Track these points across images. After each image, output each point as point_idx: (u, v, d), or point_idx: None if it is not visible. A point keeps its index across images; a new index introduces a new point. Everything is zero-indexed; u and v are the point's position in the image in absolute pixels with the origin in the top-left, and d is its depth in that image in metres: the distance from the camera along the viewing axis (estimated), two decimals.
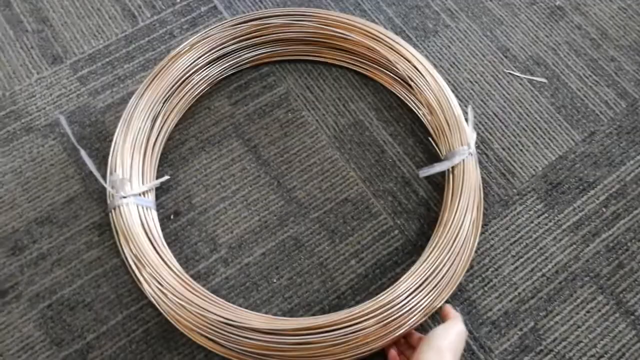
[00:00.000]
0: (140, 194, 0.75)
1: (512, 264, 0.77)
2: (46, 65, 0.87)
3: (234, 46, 0.84)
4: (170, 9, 0.92)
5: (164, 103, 0.80)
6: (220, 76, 0.85)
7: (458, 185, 0.75)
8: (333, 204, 0.80)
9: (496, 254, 0.78)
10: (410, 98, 0.84)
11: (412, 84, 0.81)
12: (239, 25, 0.83)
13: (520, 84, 0.89)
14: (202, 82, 0.83)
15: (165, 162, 0.81)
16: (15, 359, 0.70)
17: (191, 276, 0.74)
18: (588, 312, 0.75)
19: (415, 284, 0.68)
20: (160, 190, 0.80)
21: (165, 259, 0.72)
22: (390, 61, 0.81)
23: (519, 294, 0.76)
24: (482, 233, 0.78)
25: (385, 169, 0.82)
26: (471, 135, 0.78)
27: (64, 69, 0.87)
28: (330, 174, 0.82)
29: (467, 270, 0.76)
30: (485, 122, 0.86)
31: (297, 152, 0.83)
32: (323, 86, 0.87)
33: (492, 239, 0.79)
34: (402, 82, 0.84)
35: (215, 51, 0.83)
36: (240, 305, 0.72)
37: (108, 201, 0.76)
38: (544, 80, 0.89)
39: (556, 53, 0.91)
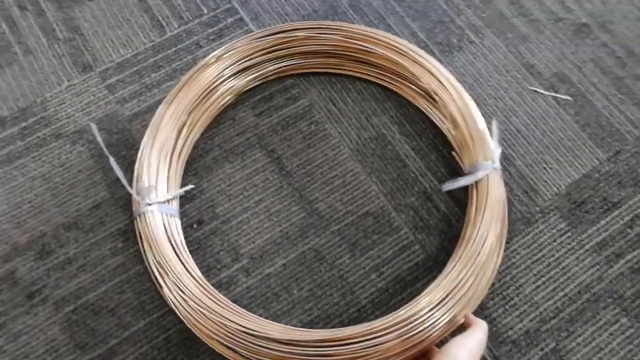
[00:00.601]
0: (165, 202, 0.76)
1: (534, 283, 0.77)
2: (76, 73, 0.89)
3: (259, 58, 0.85)
4: (197, 20, 0.94)
5: (190, 113, 0.81)
6: (246, 88, 0.86)
7: (482, 200, 0.75)
8: (354, 217, 0.80)
9: (517, 272, 0.78)
10: (433, 112, 0.84)
11: (436, 97, 0.81)
12: (265, 38, 0.84)
13: (544, 101, 0.89)
14: (227, 93, 0.85)
15: (190, 171, 0.83)
16: None
17: (212, 285, 0.75)
18: (611, 334, 0.74)
19: (437, 299, 0.68)
20: (184, 199, 0.81)
21: (188, 267, 0.73)
22: (415, 75, 0.82)
23: (540, 313, 0.75)
24: (503, 251, 0.78)
25: (407, 183, 0.82)
26: (496, 150, 0.77)
27: (94, 77, 0.89)
28: (351, 186, 0.82)
29: (488, 288, 0.76)
30: (509, 139, 0.86)
31: (319, 164, 0.84)
32: (346, 99, 0.88)
33: (514, 256, 0.78)
34: (425, 95, 0.84)
35: (241, 63, 0.84)
36: (260, 316, 0.72)
37: (133, 208, 0.77)
38: (568, 97, 0.89)
39: (581, 70, 0.91)
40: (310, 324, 0.74)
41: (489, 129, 0.80)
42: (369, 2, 0.96)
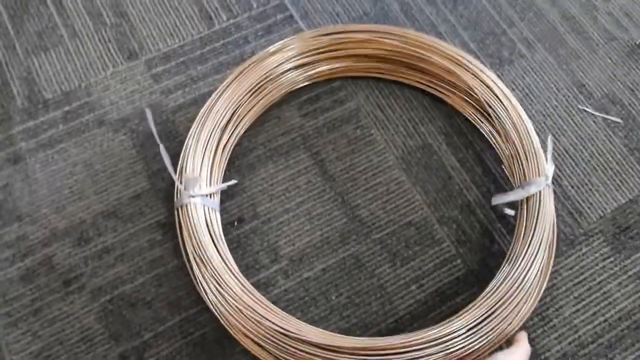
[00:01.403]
0: (207, 196, 0.75)
1: (574, 306, 0.76)
2: (122, 60, 0.88)
3: (310, 58, 0.84)
4: (247, 14, 0.93)
5: (237, 108, 0.80)
6: (294, 87, 0.85)
7: (532, 217, 0.73)
8: (396, 226, 0.79)
9: (558, 294, 0.76)
10: (483, 124, 0.83)
11: (489, 110, 0.79)
12: (319, 37, 0.83)
13: (594, 121, 0.87)
14: (275, 90, 0.84)
15: (233, 168, 0.82)
16: (74, 348, 0.71)
17: (250, 284, 0.74)
18: None
19: (480, 316, 0.67)
20: (225, 196, 0.80)
21: (227, 262, 0.72)
22: (469, 85, 0.80)
23: (579, 337, 0.74)
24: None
25: (451, 196, 0.81)
26: (549, 167, 0.76)
27: (139, 65, 0.88)
28: (395, 195, 0.81)
29: None
30: (556, 158, 0.85)
31: (363, 169, 0.83)
32: (394, 105, 0.87)
33: (555, 277, 0.77)
34: (477, 107, 0.83)
35: (293, 61, 0.83)
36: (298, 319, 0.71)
37: (175, 199, 0.76)
38: (618, 120, 0.87)
39: (633, 93, 0.89)
40: (348, 331, 0.73)
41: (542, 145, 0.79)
42: (421, 8, 0.95)
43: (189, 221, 0.73)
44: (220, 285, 0.69)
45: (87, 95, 0.86)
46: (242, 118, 0.82)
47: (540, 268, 0.71)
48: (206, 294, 0.71)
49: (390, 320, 0.74)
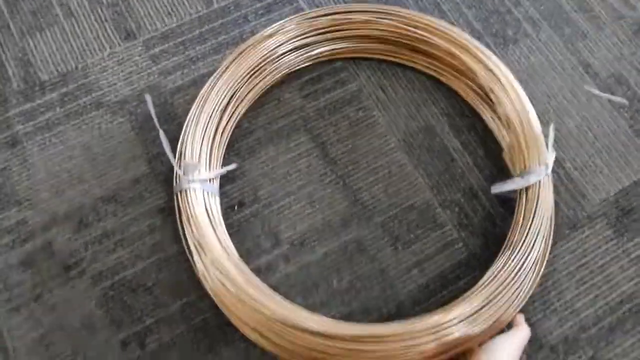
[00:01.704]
0: (207, 180, 0.75)
1: (576, 289, 0.76)
2: (119, 40, 0.87)
3: (312, 38, 0.82)
4: None
5: (236, 90, 0.79)
6: (295, 67, 0.84)
7: (531, 207, 0.73)
8: (398, 209, 0.79)
9: (560, 277, 0.76)
10: (486, 109, 0.82)
11: (492, 96, 0.78)
12: (320, 18, 0.81)
13: (599, 102, 0.86)
14: (276, 71, 0.82)
15: (233, 151, 0.81)
16: (76, 333, 0.71)
17: (251, 269, 0.74)
18: None
19: (477, 305, 0.67)
20: (225, 179, 0.79)
21: (226, 247, 0.71)
22: (472, 70, 0.79)
23: (580, 320, 0.74)
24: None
25: (454, 179, 0.80)
26: (550, 156, 0.75)
27: (137, 45, 0.86)
28: (397, 178, 0.80)
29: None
30: (560, 139, 0.83)
31: (365, 152, 0.82)
32: (396, 86, 0.85)
33: (557, 261, 0.77)
34: (479, 92, 0.81)
35: (295, 41, 0.81)
36: (298, 305, 0.71)
37: (174, 184, 0.76)
38: (624, 101, 0.86)
39: None
40: (349, 316, 0.73)
41: (544, 132, 0.77)
42: None
43: (188, 207, 0.72)
44: (219, 271, 0.69)
45: (84, 77, 0.84)
46: (242, 100, 0.80)
47: (537, 257, 0.71)
48: (205, 279, 0.71)
49: (391, 305, 0.74)
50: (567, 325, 0.74)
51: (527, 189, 0.74)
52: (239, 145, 0.81)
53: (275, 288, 0.73)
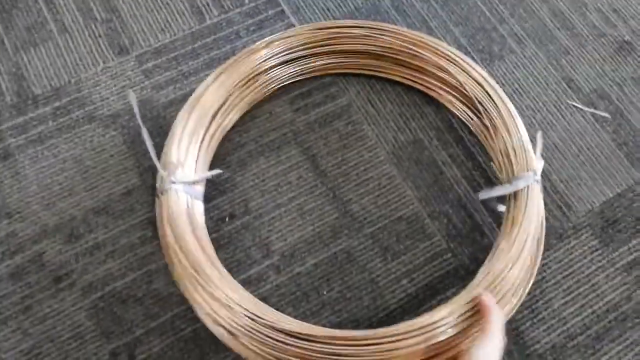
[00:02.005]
0: (191, 184, 0.74)
1: (563, 298, 0.77)
2: (112, 56, 0.88)
3: (303, 52, 0.83)
4: (238, 9, 0.93)
5: (226, 99, 0.80)
6: (285, 82, 0.85)
7: (520, 212, 0.73)
8: (387, 220, 0.80)
9: (547, 287, 0.77)
10: (473, 121, 0.83)
11: (479, 106, 0.80)
12: (310, 32, 0.83)
13: (582, 116, 0.88)
14: (267, 83, 0.83)
15: (224, 164, 0.82)
16: (65, 345, 0.71)
17: (241, 280, 0.74)
18: (637, 354, 0.74)
19: (463, 309, 0.66)
20: (216, 192, 0.80)
21: (205, 249, 0.70)
22: (460, 82, 0.81)
23: (568, 329, 0.75)
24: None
25: (442, 191, 0.82)
26: (538, 163, 0.77)
27: (130, 60, 0.88)
28: (386, 190, 0.82)
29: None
30: (545, 152, 0.85)
31: (354, 165, 0.83)
32: (385, 101, 0.87)
33: (545, 271, 0.78)
34: (467, 104, 0.83)
35: (286, 55, 0.83)
36: (289, 315, 0.72)
37: (157, 185, 0.75)
38: (607, 115, 0.88)
39: (621, 88, 0.90)
40: (339, 326, 0.74)
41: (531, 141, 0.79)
42: (412, 3, 0.95)
43: (170, 209, 0.71)
44: (195, 270, 0.67)
45: (77, 91, 0.85)
46: (233, 108, 0.81)
47: (526, 264, 0.72)
48: (177, 275, 0.70)
49: (381, 315, 0.75)
50: (554, 333, 0.75)
51: (515, 194, 0.75)
52: (230, 158, 0.82)
53: (266, 299, 0.74)
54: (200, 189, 0.77)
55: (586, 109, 0.88)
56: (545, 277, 0.78)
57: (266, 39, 0.83)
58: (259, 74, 0.82)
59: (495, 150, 0.81)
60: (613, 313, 0.76)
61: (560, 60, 0.92)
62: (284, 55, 0.83)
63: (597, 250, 0.80)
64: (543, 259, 0.78)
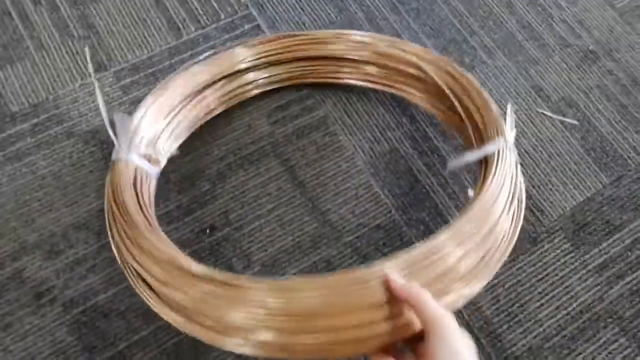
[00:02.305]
0: (148, 159, 0.74)
1: (538, 301, 0.79)
2: (90, 73, 0.89)
3: (265, 60, 0.85)
4: (214, 25, 0.94)
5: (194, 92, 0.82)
6: (258, 89, 0.87)
7: (491, 172, 0.69)
8: (366, 229, 0.81)
9: (523, 290, 0.79)
10: (444, 113, 0.83)
11: (447, 91, 0.80)
12: (277, 40, 0.86)
13: (552, 124, 0.91)
14: (247, 85, 0.86)
15: (203, 177, 0.83)
16: None
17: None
18: (610, 353, 0.76)
19: (424, 253, 0.60)
20: (197, 205, 0.81)
21: (150, 221, 0.68)
22: (434, 78, 0.81)
23: (544, 330, 0.77)
24: (509, 268, 0.80)
25: (418, 199, 0.84)
26: (509, 132, 0.74)
27: (108, 76, 0.88)
28: (364, 199, 0.83)
29: (494, 304, 0.78)
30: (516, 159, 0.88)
31: (332, 175, 0.84)
32: (361, 112, 0.89)
33: (520, 274, 0.80)
34: (437, 96, 0.83)
35: (254, 60, 0.85)
36: None
37: (112, 157, 0.74)
38: (575, 122, 0.91)
39: (588, 96, 0.94)
40: None
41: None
42: (386, 17, 0.97)
43: (115, 174, 0.70)
44: (138, 243, 0.64)
45: (56, 108, 0.86)
46: (199, 102, 0.82)
47: (503, 225, 0.67)
48: (115, 243, 0.69)
49: None
50: (530, 335, 0.77)
51: (486, 160, 0.70)
52: (209, 170, 0.83)
53: None
54: (157, 169, 0.76)
55: (555, 116, 0.91)
56: (521, 281, 0.80)
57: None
58: (235, 72, 0.84)
59: (467, 132, 0.78)
60: (586, 314, 0.78)
61: (529, 70, 0.95)
62: (254, 60, 0.85)
63: (569, 253, 0.82)
64: (518, 262, 0.81)
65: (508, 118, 0.79)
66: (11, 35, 0.90)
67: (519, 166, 0.76)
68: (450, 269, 0.61)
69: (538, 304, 0.79)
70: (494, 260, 0.66)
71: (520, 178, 0.75)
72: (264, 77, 0.87)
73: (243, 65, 0.84)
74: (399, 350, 0.57)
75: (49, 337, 0.72)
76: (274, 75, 0.87)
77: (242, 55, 0.84)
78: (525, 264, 0.81)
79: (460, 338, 0.51)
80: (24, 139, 0.83)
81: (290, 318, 0.56)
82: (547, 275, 0.81)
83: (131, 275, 0.66)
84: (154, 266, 0.62)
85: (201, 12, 0.95)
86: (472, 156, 0.72)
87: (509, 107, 0.81)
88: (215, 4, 0.96)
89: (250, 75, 0.86)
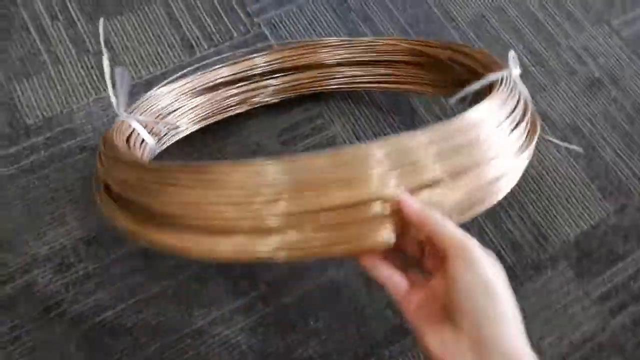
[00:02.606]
0: (149, 130, 0.76)
1: (541, 329, 0.80)
2: (104, 87, 0.90)
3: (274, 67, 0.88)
4: (228, 43, 0.95)
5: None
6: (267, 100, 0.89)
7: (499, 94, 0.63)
8: None
9: (526, 317, 0.80)
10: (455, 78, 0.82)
11: (457, 59, 0.80)
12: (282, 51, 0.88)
13: (557, 150, 0.92)
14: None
15: None
16: None
17: (230, 310, 0.76)
18: None
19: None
20: None
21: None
22: (438, 57, 0.82)
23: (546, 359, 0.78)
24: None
25: None
26: (515, 69, 0.69)
27: None
28: None
29: None
30: (522, 185, 0.89)
31: None
32: (369, 133, 0.90)
33: (523, 302, 0.80)
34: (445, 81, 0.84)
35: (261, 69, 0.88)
36: (276, 345, 0.74)
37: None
38: (580, 149, 0.92)
39: (593, 124, 0.95)
40: (325, 356, 0.75)
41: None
42: (390, 34, 0.99)
43: (113, 130, 0.68)
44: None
45: (69, 122, 0.87)
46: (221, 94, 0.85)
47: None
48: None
49: (366, 345, 0.77)
50: None
51: (490, 88, 0.64)
52: None
53: (253, 328, 0.76)
54: (154, 140, 0.76)
55: (561, 143, 0.92)
56: (523, 308, 0.80)
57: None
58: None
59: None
60: (589, 343, 0.79)
61: (535, 96, 0.96)
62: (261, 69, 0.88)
63: (573, 281, 0.83)
64: (521, 290, 0.81)
65: (510, 62, 0.72)
66: (28, 49, 0.92)
67: (529, 97, 0.70)
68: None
69: (541, 332, 0.79)
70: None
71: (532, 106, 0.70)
72: (279, 84, 0.89)
73: (259, 70, 0.87)
74: (404, 264, 0.52)
75: (57, 352, 0.73)
76: (288, 82, 0.89)
77: (259, 61, 0.87)
78: (529, 291, 0.82)
79: (490, 265, 0.45)
80: (37, 152, 0.84)
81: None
82: (550, 303, 0.81)
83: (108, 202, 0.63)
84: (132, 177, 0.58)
85: (214, 30, 0.96)
86: (474, 86, 0.63)
87: (510, 54, 0.74)
88: (228, 23, 0.97)
89: (267, 82, 0.88)
